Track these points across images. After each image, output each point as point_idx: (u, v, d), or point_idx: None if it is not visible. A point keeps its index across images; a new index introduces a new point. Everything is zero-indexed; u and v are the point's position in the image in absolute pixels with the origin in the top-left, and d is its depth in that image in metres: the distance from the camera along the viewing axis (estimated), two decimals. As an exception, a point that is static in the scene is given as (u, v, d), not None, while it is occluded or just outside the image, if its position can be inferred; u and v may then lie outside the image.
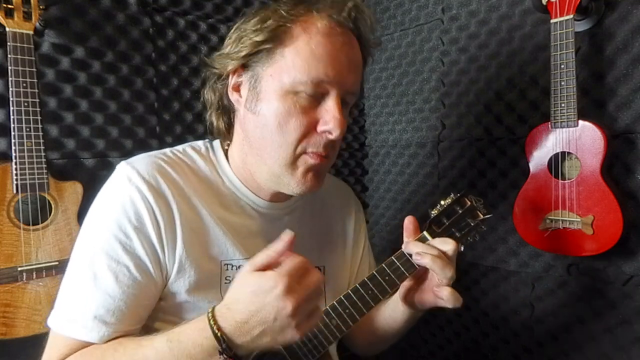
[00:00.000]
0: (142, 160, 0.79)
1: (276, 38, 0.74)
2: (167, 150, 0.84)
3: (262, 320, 0.61)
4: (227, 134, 0.86)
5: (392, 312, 0.90)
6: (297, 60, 0.72)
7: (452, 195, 0.87)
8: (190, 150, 0.86)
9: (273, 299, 0.60)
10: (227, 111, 0.85)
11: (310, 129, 0.75)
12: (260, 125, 0.76)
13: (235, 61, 0.77)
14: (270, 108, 0.75)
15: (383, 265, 0.81)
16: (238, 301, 0.63)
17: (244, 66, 0.78)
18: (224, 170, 0.85)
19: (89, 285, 0.71)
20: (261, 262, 0.63)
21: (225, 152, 0.86)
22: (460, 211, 0.86)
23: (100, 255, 0.72)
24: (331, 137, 0.75)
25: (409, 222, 0.86)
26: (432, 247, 0.79)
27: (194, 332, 0.65)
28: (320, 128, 0.75)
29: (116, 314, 0.71)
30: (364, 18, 0.78)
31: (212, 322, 0.63)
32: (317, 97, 0.74)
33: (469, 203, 0.86)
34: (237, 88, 0.80)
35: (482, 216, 0.86)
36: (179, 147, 0.86)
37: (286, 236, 0.64)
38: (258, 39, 0.74)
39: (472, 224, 0.86)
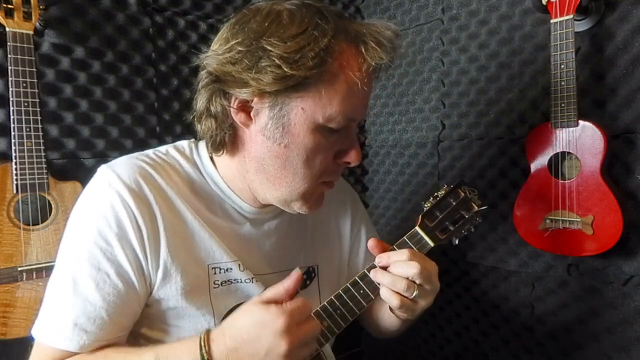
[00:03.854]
0: (123, 164, 0.76)
1: (315, 74, 0.66)
2: (150, 151, 0.81)
3: (253, 352, 0.63)
4: (224, 147, 0.77)
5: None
6: (334, 98, 0.69)
7: (445, 187, 0.85)
8: (174, 151, 0.82)
9: (269, 334, 0.62)
10: (229, 127, 0.75)
11: (331, 161, 0.76)
12: (284, 157, 0.72)
13: (255, 87, 0.67)
14: (299, 142, 0.71)
15: (374, 262, 0.79)
16: (234, 327, 0.65)
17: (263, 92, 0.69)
18: (208, 173, 0.81)
19: (69, 293, 0.69)
20: (268, 297, 0.66)
21: (211, 156, 0.81)
22: (454, 203, 0.83)
23: (80, 263, 0.70)
24: (350, 165, 0.77)
25: (372, 244, 0.80)
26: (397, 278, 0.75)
27: (183, 352, 0.66)
28: (342, 160, 0.76)
29: (97, 322, 0.69)
30: (393, 59, 0.74)
31: (203, 343, 0.64)
32: (339, 130, 0.73)
33: (463, 194, 0.83)
34: (245, 109, 0.72)
35: (476, 208, 0.83)
36: (162, 148, 0.83)
37: (295, 274, 0.67)
38: (295, 73, 0.65)
39: (466, 216, 0.83)
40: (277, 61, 0.65)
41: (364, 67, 0.69)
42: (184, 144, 0.85)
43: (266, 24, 0.67)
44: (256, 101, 0.70)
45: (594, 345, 1.15)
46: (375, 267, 0.78)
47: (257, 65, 0.66)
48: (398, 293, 0.74)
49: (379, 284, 0.77)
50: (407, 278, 0.74)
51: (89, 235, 0.71)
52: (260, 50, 0.66)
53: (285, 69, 0.65)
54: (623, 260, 1.06)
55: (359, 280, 0.78)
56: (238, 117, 0.73)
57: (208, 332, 0.66)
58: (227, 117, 0.74)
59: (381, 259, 0.77)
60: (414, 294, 0.74)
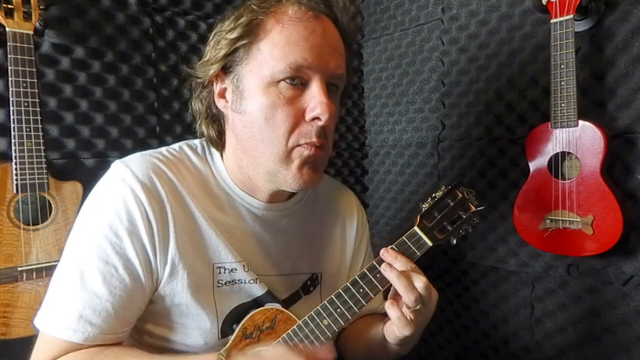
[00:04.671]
0: (137, 160, 0.77)
1: (251, 33, 0.73)
2: (163, 149, 0.83)
3: None
4: (219, 142, 0.84)
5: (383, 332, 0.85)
6: (273, 51, 0.72)
7: (443, 188, 0.86)
8: (187, 148, 0.84)
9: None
10: (217, 119, 0.83)
11: (298, 119, 0.73)
12: (248, 124, 0.75)
13: (215, 64, 0.76)
14: (254, 104, 0.73)
15: (374, 262, 0.79)
16: (256, 352, 0.67)
17: (225, 70, 0.77)
18: (219, 171, 0.83)
19: (76, 285, 0.70)
20: (303, 351, 0.68)
21: (221, 155, 0.85)
22: (451, 204, 0.84)
23: (89, 256, 0.71)
24: (320, 123, 0.72)
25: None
26: (401, 265, 0.77)
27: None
28: (308, 115, 0.73)
29: (102, 315, 0.70)
30: (337, 1, 0.78)
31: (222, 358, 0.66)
32: (299, 86, 0.73)
33: (461, 195, 0.84)
34: (222, 94, 0.79)
35: (474, 208, 0.84)
36: (175, 146, 0.85)
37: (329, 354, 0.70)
38: (233, 36, 0.74)
39: (464, 217, 0.84)
40: (223, 34, 0.76)
41: (291, 12, 0.73)
42: (196, 142, 0.87)
43: (227, 21, 0.77)
44: (226, 83, 0.78)
45: (594, 345, 1.15)
46: (375, 267, 0.78)
47: (215, 48, 0.77)
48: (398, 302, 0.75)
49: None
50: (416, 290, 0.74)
51: (100, 229, 0.71)
52: (218, 36, 0.77)
53: (227, 35, 0.75)
54: (623, 260, 1.06)
55: (359, 280, 0.78)
56: (220, 105, 0.80)
57: (228, 353, 0.69)
58: (214, 110, 0.82)
59: (389, 255, 0.77)
60: (418, 307, 0.73)
